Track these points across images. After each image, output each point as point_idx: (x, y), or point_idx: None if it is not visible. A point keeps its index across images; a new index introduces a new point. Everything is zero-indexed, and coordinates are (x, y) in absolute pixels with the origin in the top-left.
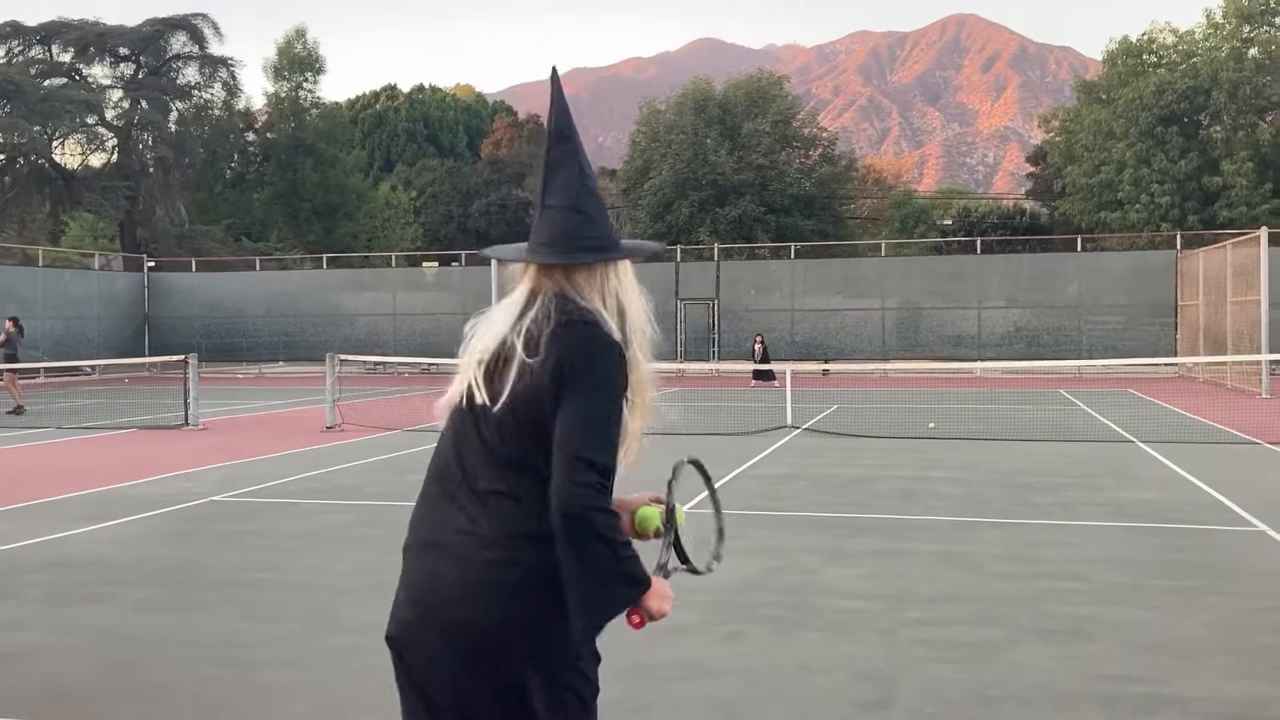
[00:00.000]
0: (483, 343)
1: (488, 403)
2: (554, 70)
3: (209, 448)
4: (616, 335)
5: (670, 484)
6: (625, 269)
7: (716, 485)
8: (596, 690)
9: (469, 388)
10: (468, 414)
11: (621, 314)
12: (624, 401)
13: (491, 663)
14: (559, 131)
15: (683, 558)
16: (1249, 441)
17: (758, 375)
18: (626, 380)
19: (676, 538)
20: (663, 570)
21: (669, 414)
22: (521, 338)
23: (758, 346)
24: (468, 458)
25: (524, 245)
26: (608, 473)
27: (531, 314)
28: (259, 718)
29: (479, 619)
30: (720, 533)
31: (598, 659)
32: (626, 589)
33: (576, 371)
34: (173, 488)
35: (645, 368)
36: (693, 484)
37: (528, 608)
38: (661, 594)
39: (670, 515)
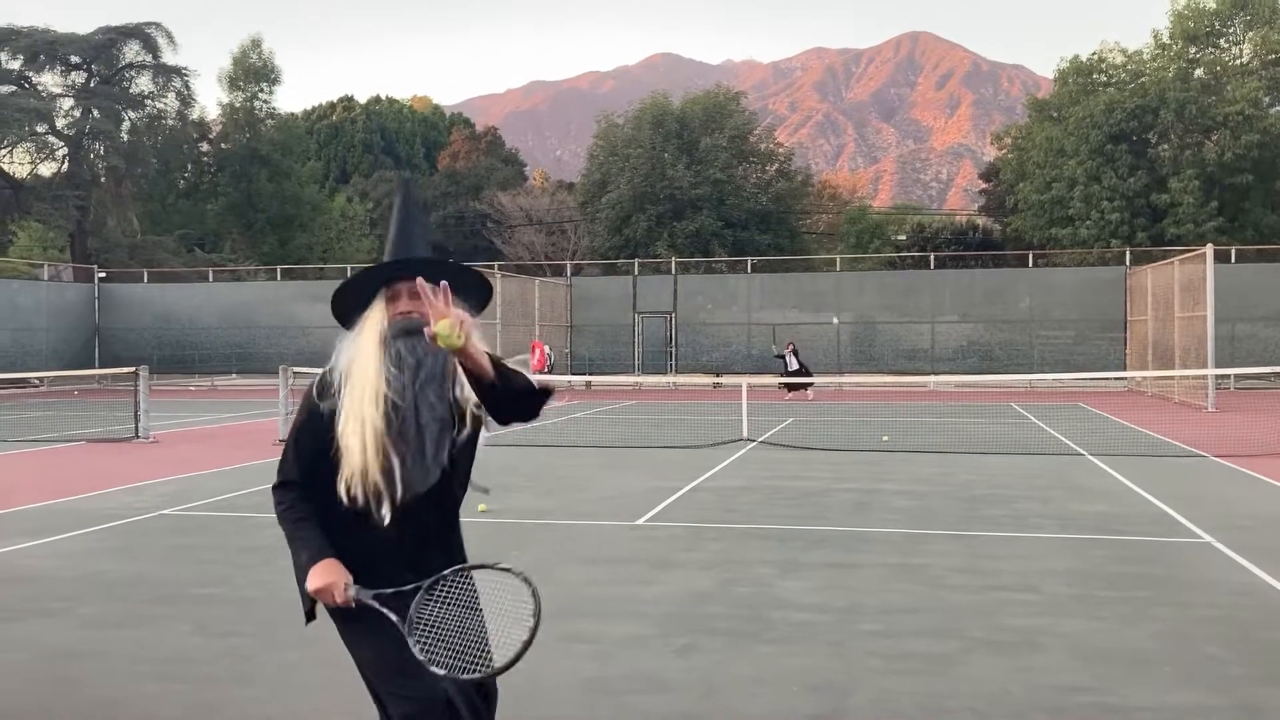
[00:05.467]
0: None
1: None
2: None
3: (160, 461)
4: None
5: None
6: (383, 303)
7: (673, 497)
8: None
9: None
10: None
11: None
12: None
13: None
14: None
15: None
16: (1196, 455)
17: (791, 386)
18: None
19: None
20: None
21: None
22: None
23: (789, 355)
24: None
25: None
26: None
27: None
28: None
29: None
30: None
31: (341, 616)
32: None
33: None
34: (122, 501)
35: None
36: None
37: None
38: (319, 574)
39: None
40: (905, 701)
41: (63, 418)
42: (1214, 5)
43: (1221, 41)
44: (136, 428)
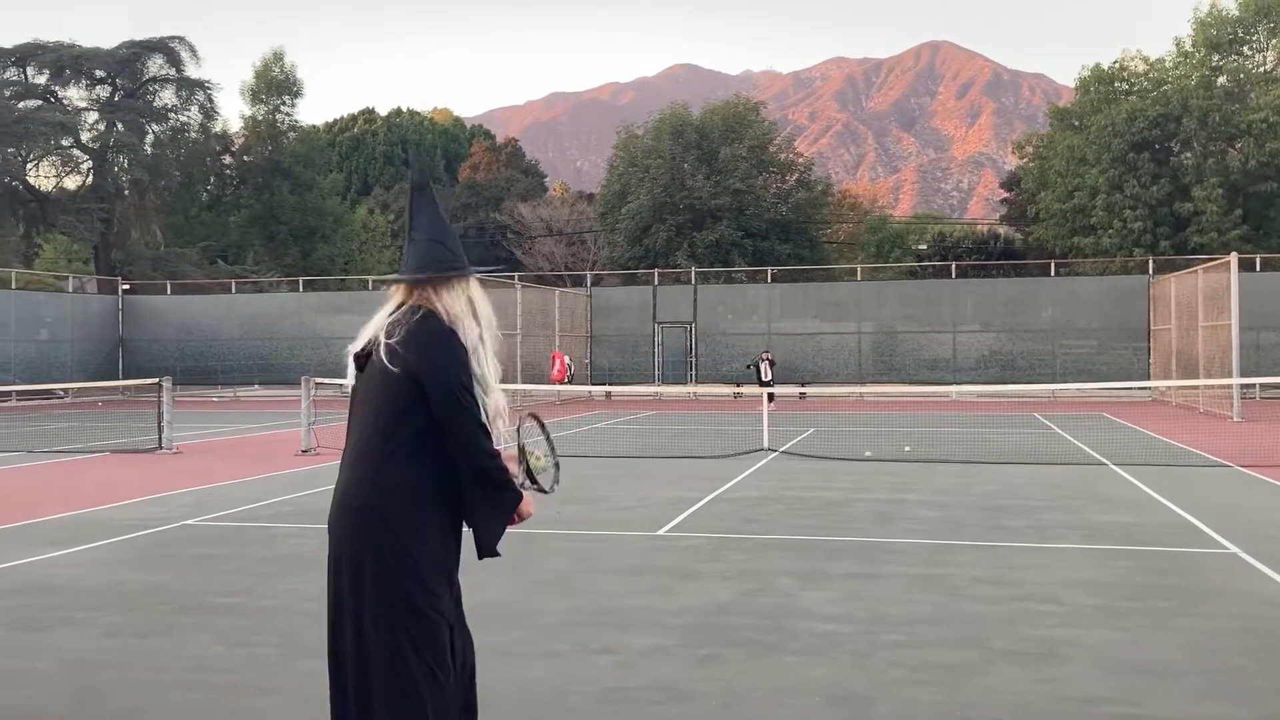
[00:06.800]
0: (361, 336)
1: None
2: (410, 149)
3: (182, 471)
4: (459, 329)
5: (518, 430)
6: (475, 283)
7: (694, 508)
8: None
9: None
10: (354, 391)
11: (476, 315)
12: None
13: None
14: (420, 184)
15: (533, 480)
16: (1221, 464)
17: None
18: (466, 357)
19: (528, 468)
20: (521, 488)
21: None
22: (384, 330)
23: (764, 364)
24: (360, 422)
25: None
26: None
27: (396, 314)
28: None
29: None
30: (556, 465)
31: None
32: (511, 505)
33: (424, 360)
34: (145, 512)
35: (490, 353)
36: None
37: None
38: (528, 500)
39: (521, 452)
40: (927, 712)
41: (87, 429)
42: (1237, 12)
43: (1245, 49)
44: (160, 438)
